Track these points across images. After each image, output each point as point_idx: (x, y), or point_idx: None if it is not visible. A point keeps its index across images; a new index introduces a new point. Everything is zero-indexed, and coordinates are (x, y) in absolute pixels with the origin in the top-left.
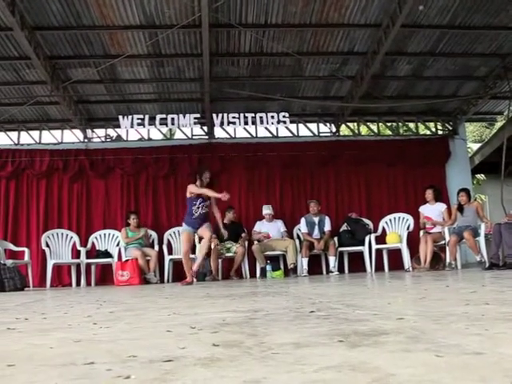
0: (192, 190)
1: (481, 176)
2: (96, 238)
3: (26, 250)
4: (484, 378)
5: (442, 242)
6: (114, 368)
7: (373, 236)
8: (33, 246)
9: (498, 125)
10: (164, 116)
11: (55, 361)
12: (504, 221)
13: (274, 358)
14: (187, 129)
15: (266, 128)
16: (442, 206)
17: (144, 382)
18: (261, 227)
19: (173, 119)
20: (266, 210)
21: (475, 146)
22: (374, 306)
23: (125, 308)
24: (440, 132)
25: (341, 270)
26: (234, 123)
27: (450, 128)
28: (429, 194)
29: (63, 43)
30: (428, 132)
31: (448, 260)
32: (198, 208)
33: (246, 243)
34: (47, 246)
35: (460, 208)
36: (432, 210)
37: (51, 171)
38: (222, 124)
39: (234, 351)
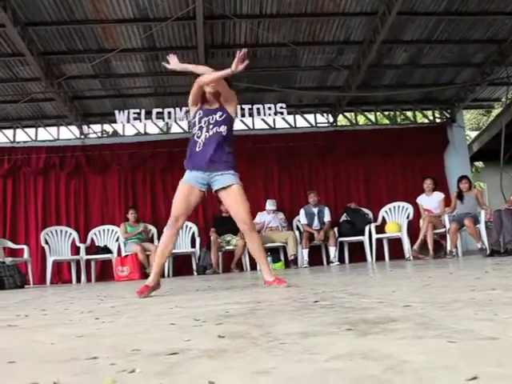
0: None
1: (479, 163)
2: (95, 233)
3: (25, 247)
4: (500, 363)
5: (443, 230)
6: (118, 362)
7: (373, 225)
8: (32, 243)
9: (496, 112)
10: (160, 110)
11: (57, 356)
12: (504, 207)
13: (282, 348)
14: (184, 122)
15: (263, 119)
16: (439, 196)
17: (149, 376)
18: (261, 218)
19: (169, 113)
20: (271, 205)
21: (473, 134)
22: (379, 295)
23: (126, 302)
24: (438, 120)
25: (341, 260)
26: None
27: (448, 116)
28: (429, 183)
29: (56, 39)
30: (426, 120)
31: (449, 248)
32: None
33: None
34: (46, 243)
35: (460, 195)
36: (430, 201)
37: (48, 168)
38: None
39: (240, 342)
